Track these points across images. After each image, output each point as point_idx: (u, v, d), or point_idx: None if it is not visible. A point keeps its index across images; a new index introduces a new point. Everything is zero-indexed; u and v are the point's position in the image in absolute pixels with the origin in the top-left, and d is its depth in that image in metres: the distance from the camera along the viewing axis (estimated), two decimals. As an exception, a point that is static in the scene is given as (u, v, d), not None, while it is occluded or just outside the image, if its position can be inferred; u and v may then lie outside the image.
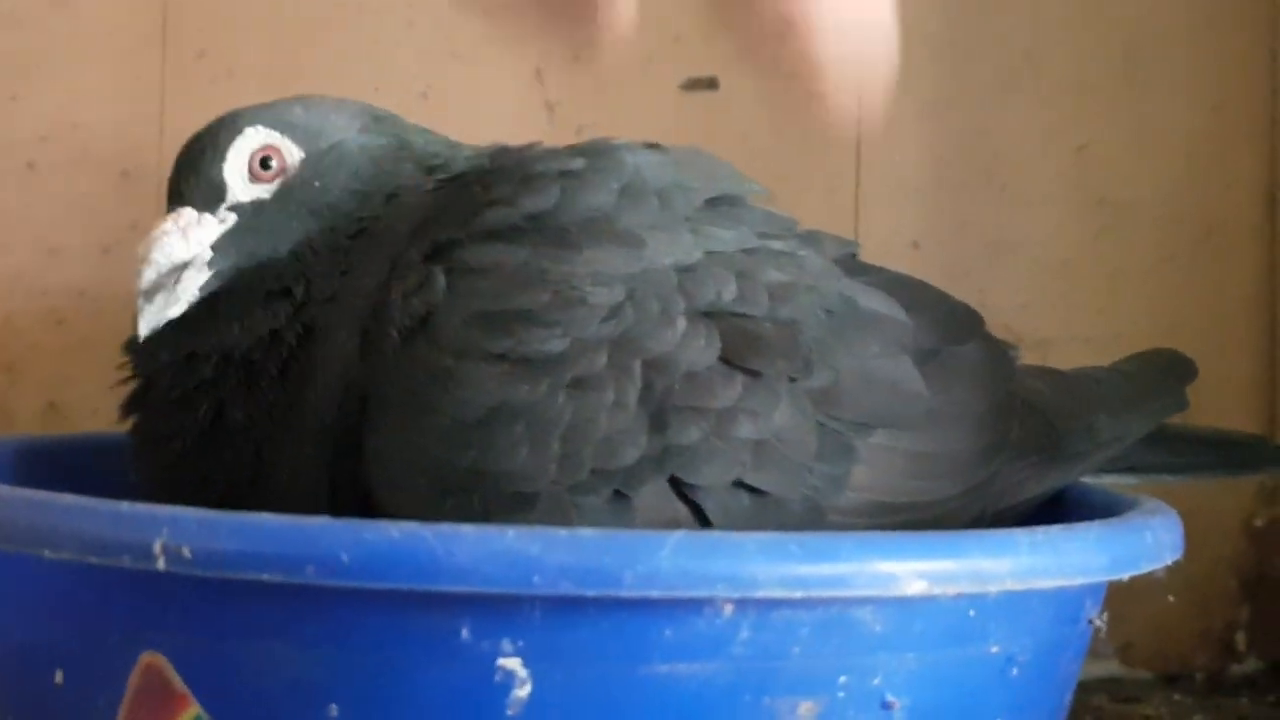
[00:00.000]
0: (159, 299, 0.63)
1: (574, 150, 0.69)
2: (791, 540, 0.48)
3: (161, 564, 0.47)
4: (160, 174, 1.04)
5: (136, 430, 0.69)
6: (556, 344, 0.60)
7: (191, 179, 0.66)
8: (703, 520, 0.61)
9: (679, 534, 0.47)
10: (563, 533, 0.47)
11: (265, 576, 0.46)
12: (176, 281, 0.64)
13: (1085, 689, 1.00)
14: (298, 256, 0.66)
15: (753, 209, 0.71)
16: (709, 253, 0.66)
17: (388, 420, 0.60)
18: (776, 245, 0.69)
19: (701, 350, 0.62)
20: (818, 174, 1.06)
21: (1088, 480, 0.76)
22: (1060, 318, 1.07)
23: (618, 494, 0.59)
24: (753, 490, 0.62)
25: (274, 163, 0.66)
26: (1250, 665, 1.05)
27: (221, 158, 0.66)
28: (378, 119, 0.70)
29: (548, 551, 0.46)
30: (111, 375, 0.73)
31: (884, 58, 0.48)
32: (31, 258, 1.03)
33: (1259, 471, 0.87)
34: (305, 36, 1.04)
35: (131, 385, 0.70)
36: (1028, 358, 0.86)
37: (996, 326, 1.05)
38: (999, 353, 0.75)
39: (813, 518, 0.63)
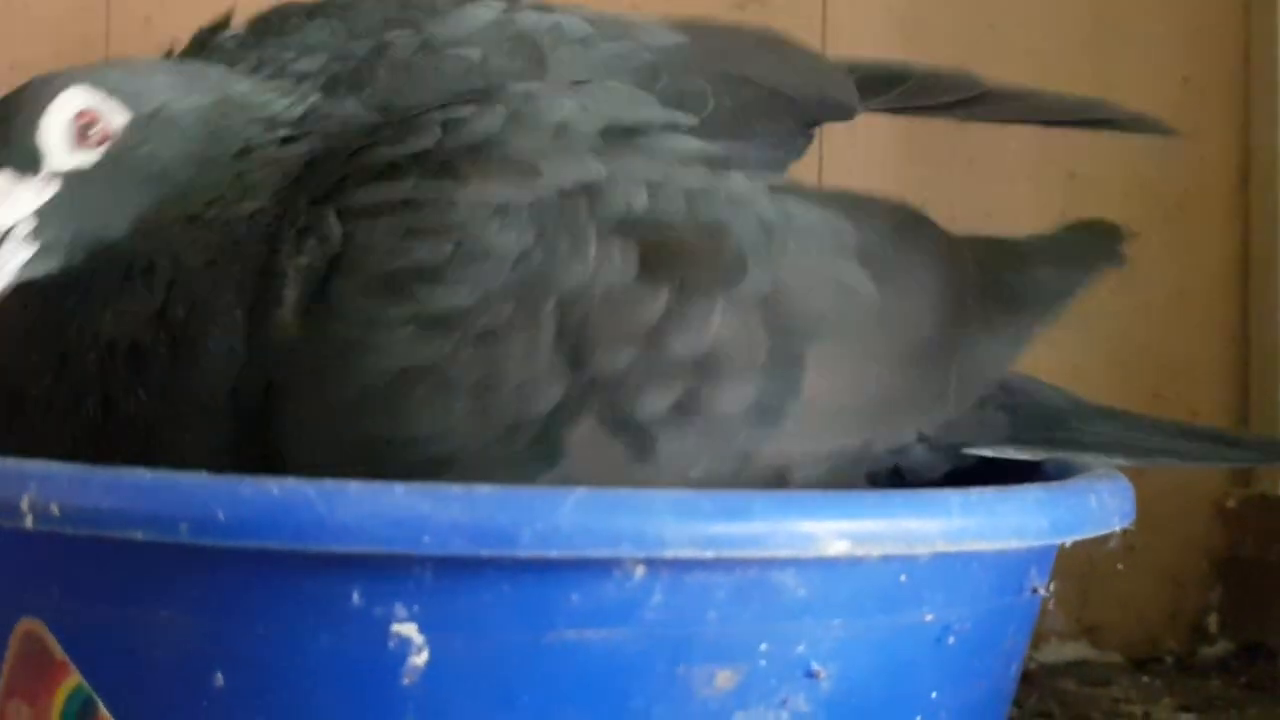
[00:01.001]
0: None
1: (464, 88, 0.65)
2: (704, 497, 0.46)
3: (30, 522, 0.44)
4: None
5: (16, 440, 0.63)
6: (461, 298, 0.57)
7: (6, 142, 0.59)
8: (648, 457, 0.57)
9: (581, 490, 0.45)
10: (456, 489, 0.45)
11: (138, 535, 0.44)
12: None
13: (1052, 672, 0.98)
14: (147, 231, 0.60)
15: (674, 136, 0.66)
16: (615, 169, 0.62)
17: (293, 400, 0.57)
18: (696, 167, 0.64)
19: (617, 269, 0.59)
20: (778, 147, 1.04)
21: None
22: (1028, 294, 1.05)
23: (543, 443, 0.56)
24: (696, 408, 0.58)
25: (97, 128, 0.60)
26: (1221, 647, 1.02)
27: (39, 120, 0.59)
28: (198, 74, 0.65)
29: (439, 509, 0.44)
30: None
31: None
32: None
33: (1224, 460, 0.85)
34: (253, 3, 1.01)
35: None
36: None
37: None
38: (938, 231, 0.72)
39: (767, 432, 0.60)
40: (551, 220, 0.59)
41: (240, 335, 0.59)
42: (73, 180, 0.59)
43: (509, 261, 0.58)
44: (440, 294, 0.57)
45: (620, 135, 0.64)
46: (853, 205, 0.68)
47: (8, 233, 0.58)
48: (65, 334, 0.61)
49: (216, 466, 0.57)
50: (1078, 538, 0.55)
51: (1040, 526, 0.53)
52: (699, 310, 0.59)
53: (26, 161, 0.59)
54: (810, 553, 0.47)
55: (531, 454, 0.56)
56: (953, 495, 0.51)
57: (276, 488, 0.44)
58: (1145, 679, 0.98)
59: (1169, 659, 1.02)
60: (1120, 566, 0.71)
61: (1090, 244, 0.78)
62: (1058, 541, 0.54)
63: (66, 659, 0.47)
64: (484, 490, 0.45)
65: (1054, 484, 0.57)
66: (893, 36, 1.04)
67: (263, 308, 0.58)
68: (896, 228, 0.69)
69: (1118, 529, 0.57)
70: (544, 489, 0.45)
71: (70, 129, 0.60)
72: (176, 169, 0.61)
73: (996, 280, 0.71)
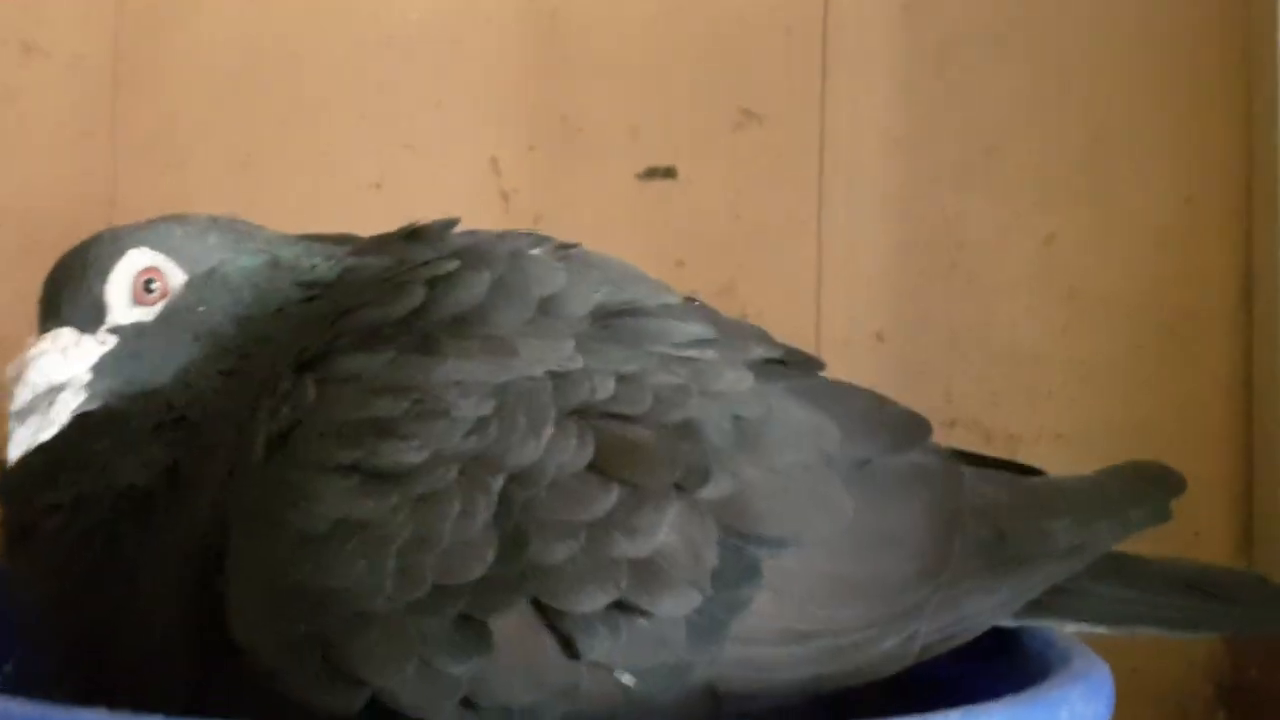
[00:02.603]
0: (32, 422, 0.60)
1: (453, 250, 0.66)
2: None
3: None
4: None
5: (16, 571, 0.66)
6: (410, 456, 0.57)
7: (71, 298, 0.63)
8: (577, 655, 0.56)
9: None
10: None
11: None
12: (51, 404, 0.61)
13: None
14: (186, 384, 0.63)
15: (657, 319, 0.66)
16: (590, 359, 0.62)
17: (240, 538, 0.58)
18: (675, 353, 0.65)
19: (569, 456, 0.59)
20: (778, 263, 1.04)
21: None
22: (1029, 411, 1.05)
23: (468, 618, 0.55)
24: (633, 611, 0.57)
25: (157, 285, 0.64)
26: (1226, 774, 1.01)
27: (104, 279, 0.63)
28: (250, 236, 0.67)
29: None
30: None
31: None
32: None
33: (1232, 628, 0.79)
34: (257, 127, 1.03)
35: (4, 525, 0.66)
36: (996, 453, 0.83)
37: (964, 420, 1.04)
38: (943, 463, 0.70)
39: (705, 645, 0.58)
40: (513, 397, 0.59)
41: (218, 486, 0.60)
42: (130, 334, 0.63)
43: (463, 427, 0.58)
44: (389, 448, 0.57)
45: (608, 316, 0.65)
46: (848, 411, 0.67)
47: (66, 385, 0.61)
48: (86, 475, 0.63)
49: (177, 610, 0.59)
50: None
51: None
52: (648, 515, 0.58)
53: (89, 318, 0.63)
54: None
55: (458, 631, 0.55)
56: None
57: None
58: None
59: (1174, 785, 1.00)
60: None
61: (1131, 494, 0.74)
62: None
63: None
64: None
65: (1024, 696, 0.56)
66: (890, 158, 1.05)
67: (238, 459, 0.60)
68: (895, 445, 0.68)
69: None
70: None
71: (132, 287, 0.64)
72: (224, 326, 0.64)
73: (998, 532, 0.68)
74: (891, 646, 0.63)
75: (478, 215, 1.00)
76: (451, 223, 0.71)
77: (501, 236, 0.69)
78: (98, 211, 1.00)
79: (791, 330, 0.77)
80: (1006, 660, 0.67)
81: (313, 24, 1.02)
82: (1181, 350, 1.05)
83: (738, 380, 0.65)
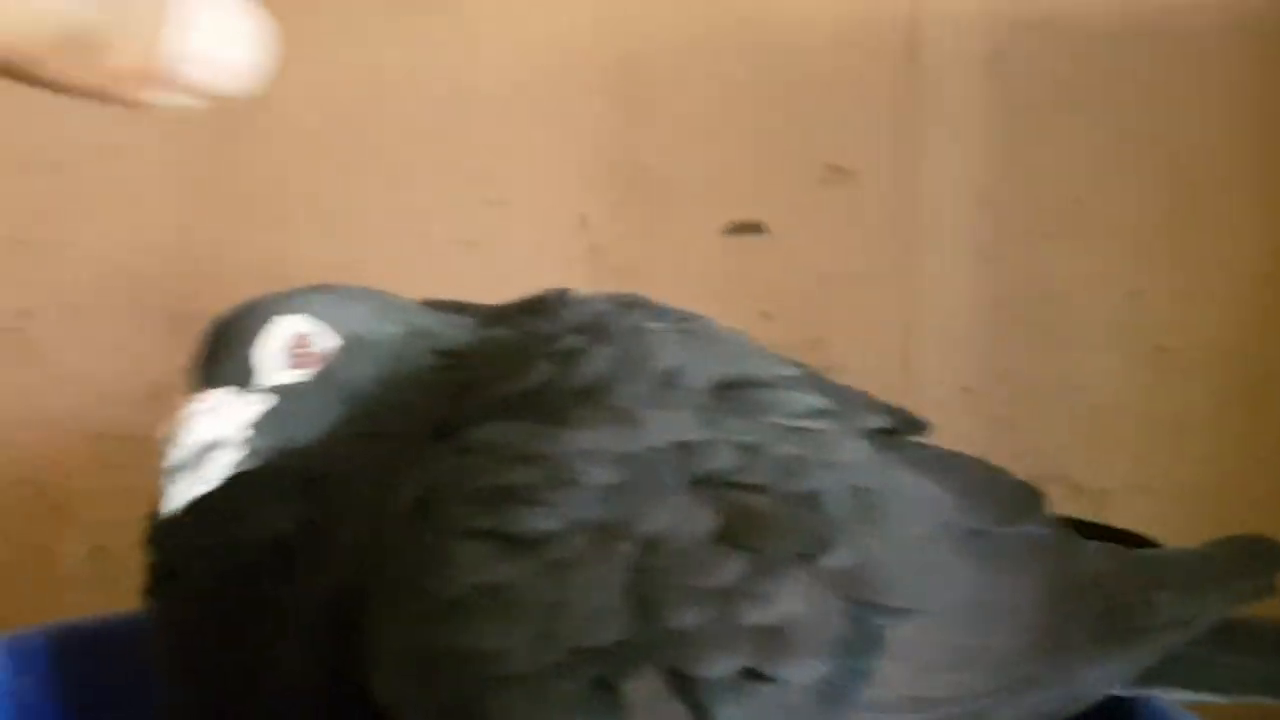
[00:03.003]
0: (185, 479, 0.62)
1: (579, 325, 0.68)
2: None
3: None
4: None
5: (158, 615, 0.68)
6: (544, 523, 0.58)
7: (226, 359, 0.65)
8: (702, 718, 0.57)
9: None
10: None
11: None
12: (203, 462, 0.63)
13: None
14: (331, 445, 0.65)
15: (774, 391, 0.68)
16: (711, 431, 0.63)
17: (381, 600, 0.59)
18: (793, 424, 0.66)
19: (696, 526, 0.59)
20: (865, 318, 1.05)
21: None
22: (1118, 467, 1.05)
23: (603, 683, 0.56)
24: (762, 679, 0.58)
25: (308, 350, 0.66)
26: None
27: (258, 341, 0.65)
28: (390, 306, 0.70)
29: None
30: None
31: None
32: (81, 400, 1.04)
33: None
34: (352, 186, 1.05)
35: (148, 571, 0.68)
36: (1084, 510, 0.83)
37: (1052, 476, 1.03)
38: (1056, 535, 0.70)
39: (833, 714, 0.59)
40: (639, 466, 0.61)
41: (354, 553, 0.62)
42: (282, 395, 0.65)
43: (593, 495, 0.60)
44: (526, 515, 0.59)
45: (727, 389, 0.66)
46: (963, 482, 0.68)
47: (220, 443, 0.63)
48: (229, 529, 0.65)
49: (314, 676, 0.61)
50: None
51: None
52: (774, 583, 0.59)
53: (243, 378, 0.64)
54: None
55: (593, 695, 0.56)
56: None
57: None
58: None
59: None
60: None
61: (1234, 566, 0.73)
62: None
63: None
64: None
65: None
66: (977, 212, 1.05)
67: (375, 522, 0.62)
68: (1009, 516, 0.68)
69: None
70: None
71: (284, 351, 0.65)
72: (367, 390, 0.66)
73: (1109, 604, 0.68)
74: (1010, 714, 0.63)
75: (568, 271, 1.03)
76: (563, 293, 0.73)
77: (620, 310, 0.71)
78: (203, 268, 1.03)
79: (879, 384, 0.78)
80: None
81: (406, 83, 1.04)
82: (1270, 405, 1.05)
83: (855, 451, 0.66)
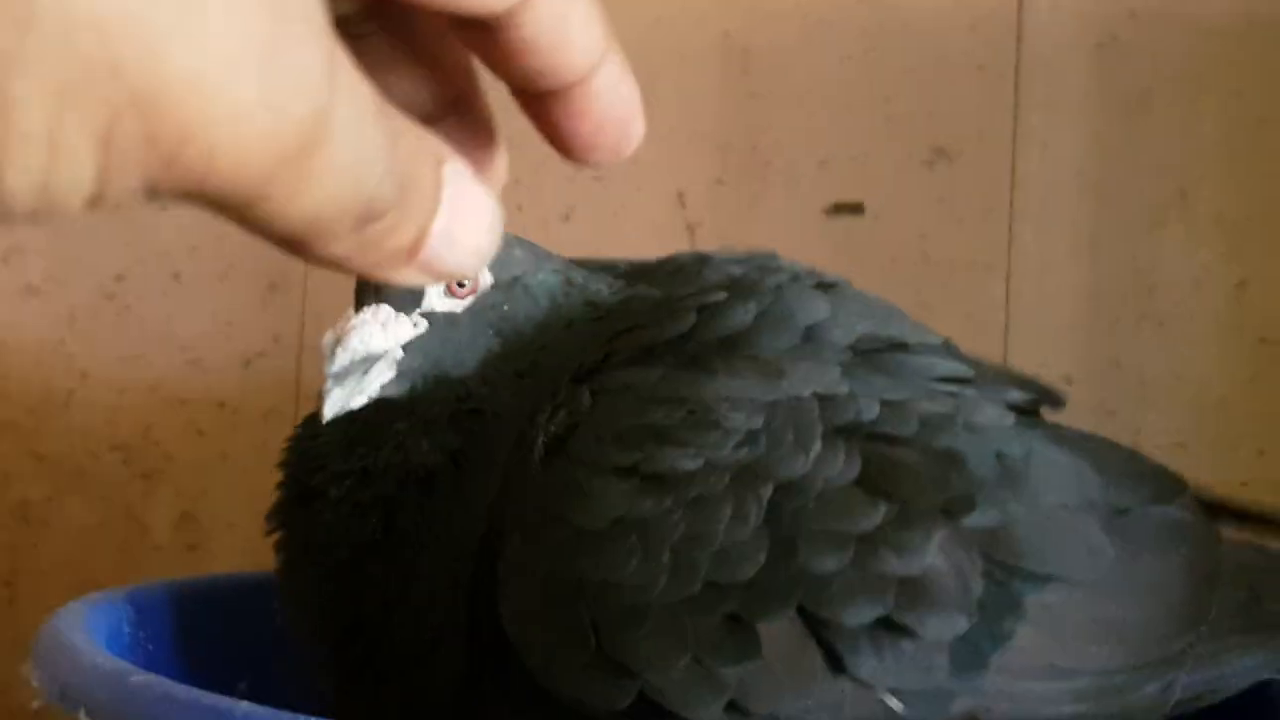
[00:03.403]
0: (348, 384, 0.63)
1: (721, 282, 0.68)
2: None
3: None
4: (306, 287, 1.05)
5: (288, 541, 0.69)
6: (685, 462, 0.59)
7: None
8: (843, 669, 0.57)
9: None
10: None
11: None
12: (365, 372, 0.63)
13: None
14: (483, 378, 0.66)
15: (919, 355, 0.68)
16: (855, 385, 0.63)
17: (518, 533, 0.60)
18: (938, 387, 0.66)
19: (837, 471, 0.60)
20: (966, 303, 1.04)
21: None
22: (1217, 459, 1.03)
23: (738, 620, 0.57)
24: (899, 631, 0.57)
25: (469, 281, 0.66)
26: None
27: None
28: (547, 256, 0.71)
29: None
30: (250, 488, 0.72)
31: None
32: (173, 368, 1.04)
33: None
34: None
35: (281, 494, 0.69)
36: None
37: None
38: (1201, 520, 0.69)
39: (969, 675, 0.59)
40: (781, 413, 0.61)
41: (495, 487, 0.63)
42: (439, 322, 0.66)
43: (734, 439, 0.60)
44: (665, 454, 0.59)
45: (870, 349, 0.66)
46: (1108, 460, 0.67)
47: (381, 356, 0.64)
48: (378, 451, 0.66)
49: (449, 607, 0.62)
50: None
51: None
52: (917, 535, 0.59)
53: (406, 300, 0.65)
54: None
55: (728, 632, 0.57)
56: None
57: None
58: None
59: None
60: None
61: None
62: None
63: None
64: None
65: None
66: (1082, 200, 1.04)
67: (518, 457, 0.62)
68: (1153, 497, 0.67)
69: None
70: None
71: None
72: (522, 330, 0.68)
73: (1254, 593, 0.67)
74: (1152, 692, 0.63)
75: (662, 247, 1.01)
76: (703, 254, 0.74)
77: (760, 269, 0.71)
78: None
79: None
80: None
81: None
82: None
83: (999, 418, 0.66)
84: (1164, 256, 1.03)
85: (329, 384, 0.62)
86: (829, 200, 1.04)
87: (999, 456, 0.63)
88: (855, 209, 1.04)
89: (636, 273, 0.73)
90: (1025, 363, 1.02)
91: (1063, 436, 0.68)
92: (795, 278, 0.70)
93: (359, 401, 0.63)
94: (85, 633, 0.64)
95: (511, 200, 1.03)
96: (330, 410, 0.62)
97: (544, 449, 0.61)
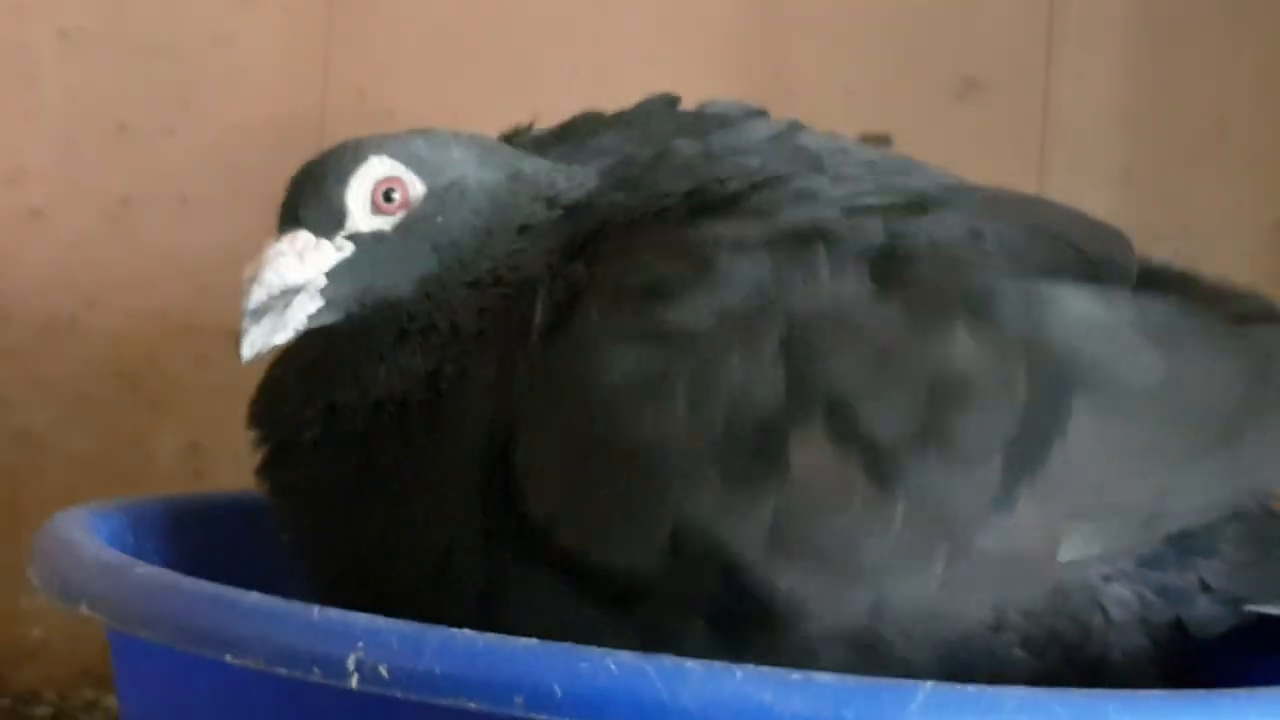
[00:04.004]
0: (266, 322, 0.60)
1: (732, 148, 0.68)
2: (1055, 700, 0.43)
3: (355, 682, 0.44)
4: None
5: (275, 492, 0.66)
6: (691, 316, 0.57)
7: (311, 203, 0.63)
8: (888, 484, 0.55)
9: (929, 685, 0.42)
10: (795, 676, 0.42)
11: (471, 704, 0.42)
12: (286, 306, 0.60)
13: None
14: (426, 294, 0.63)
15: (931, 216, 0.63)
16: (855, 221, 0.60)
17: (532, 412, 0.58)
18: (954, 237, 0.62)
19: (849, 291, 0.57)
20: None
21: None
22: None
23: (767, 456, 0.54)
24: (943, 438, 0.55)
25: (397, 195, 0.63)
26: None
27: (344, 185, 0.63)
28: (491, 150, 0.67)
29: (780, 698, 0.42)
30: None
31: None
32: (180, 295, 1.01)
33: None
34: (464, 80, 1.01)
35: (263, 450, 0.66)
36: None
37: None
38: (1229, 324, 0.65)
39: (1031, 479, 0.56)
40: (786, 254, 0.58)
41: (496, 398, 0.60)
42: (367, 242, 0.62)
43: (743, 289, 0.57)
44: (673, 310, 0.57)
45: (864, 210, 0.62)
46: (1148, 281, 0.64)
47: (302, 288, 0.61)
48: (337, 385, 0.63)
49: (465, 520, 0.59)
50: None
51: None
52: (938, 326, 0.56)
53: (327, 223, 0.62)
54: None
55: (756, 467, 0.55)
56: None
57: (614, 664, 0.42)
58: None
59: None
60: None
61: None
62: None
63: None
64: (825, 679, 0.43)
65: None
66: (1115, 130, 1.02)
67: (516, 344, 0.60)
68: (1182, 307, 0.64)
69: None
70: (887, 682, 0.43)
71: (371, 195, 0.63)
72: (464, 238, 0.63)
73: None
74: (1214, 499, 0.61)
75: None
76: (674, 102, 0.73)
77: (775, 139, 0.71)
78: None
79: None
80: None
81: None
82: None
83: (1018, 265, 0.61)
84: (1198, 192, 1.01)
85: (245, 322, 0.59)
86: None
87: (1021, 289, 0.59)
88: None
89: (620, 166, 0.68)
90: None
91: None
92: (805, 137, 0.70)
93: (282, 338, 0.60)
94: (87, 531, 0.62)
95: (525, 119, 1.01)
96: (248, 350, 0.60)
97: (544, 329, 0.59)
